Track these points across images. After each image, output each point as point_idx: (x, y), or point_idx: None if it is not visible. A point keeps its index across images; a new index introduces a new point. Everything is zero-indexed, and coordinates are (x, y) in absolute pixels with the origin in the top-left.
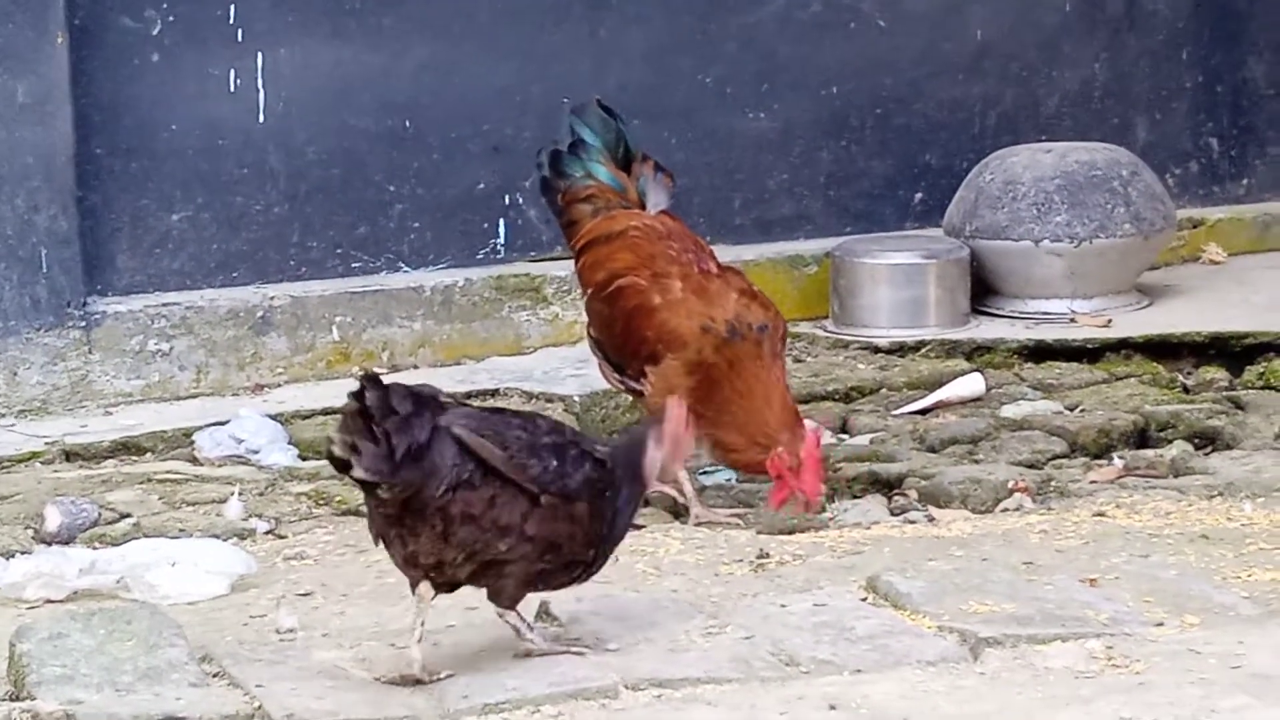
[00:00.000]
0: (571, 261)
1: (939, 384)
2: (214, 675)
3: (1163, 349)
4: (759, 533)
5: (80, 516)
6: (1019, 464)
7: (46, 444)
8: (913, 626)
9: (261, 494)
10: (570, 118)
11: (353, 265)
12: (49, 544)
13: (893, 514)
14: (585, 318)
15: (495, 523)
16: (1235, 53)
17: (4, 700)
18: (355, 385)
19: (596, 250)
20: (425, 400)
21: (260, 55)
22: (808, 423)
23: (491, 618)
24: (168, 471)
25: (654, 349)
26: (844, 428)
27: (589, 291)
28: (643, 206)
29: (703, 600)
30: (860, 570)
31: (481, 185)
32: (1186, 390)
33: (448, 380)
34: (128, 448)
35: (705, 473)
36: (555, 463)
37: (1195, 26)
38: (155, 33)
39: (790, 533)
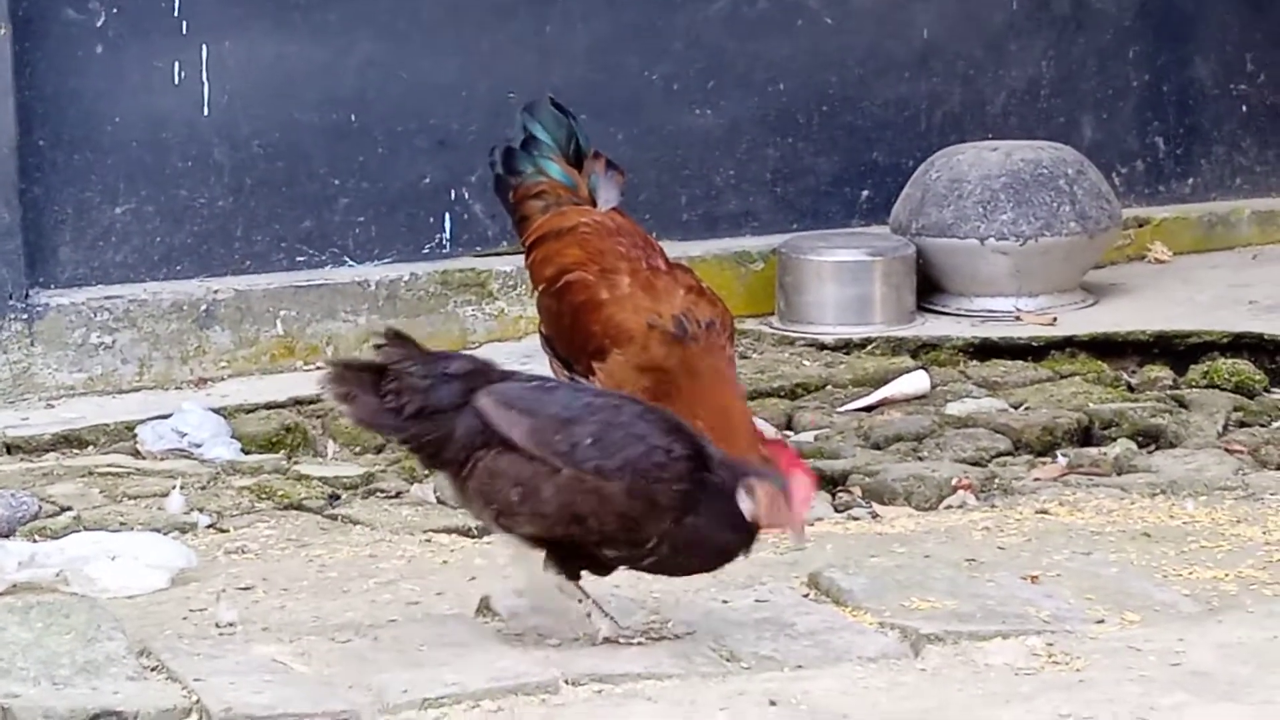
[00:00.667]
0: (520, 257)
1: (884, 381)
2: (152, 669)
3: (1107, 347)
4: None
5: (20, 509)
6: (963, 461)
7: None
8: (854, 623)
9: (203, 488)
10: (522, 115)
11: (297, 259)
12: None
13: (836, 510)
14: (534, 313)
15: (508, 479)
16: (1181, 52)
17: None
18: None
19: (547, 246)
20: (462, 372)
21: (205, 48)
22: (765, 428)
23: (434, 612)
24: (109, 465)
25: (601, 344)
26: (789, 424)
27: (539, 287)
28: (594, 203)
29: (644, 597)
30: (802, 566)
31: (427, 180)
32: (1131, 389)
33: None
34: (69, 441)
35: None
36: (590, 440)
37: (1142, 26)
38: (99, 24)
39: None
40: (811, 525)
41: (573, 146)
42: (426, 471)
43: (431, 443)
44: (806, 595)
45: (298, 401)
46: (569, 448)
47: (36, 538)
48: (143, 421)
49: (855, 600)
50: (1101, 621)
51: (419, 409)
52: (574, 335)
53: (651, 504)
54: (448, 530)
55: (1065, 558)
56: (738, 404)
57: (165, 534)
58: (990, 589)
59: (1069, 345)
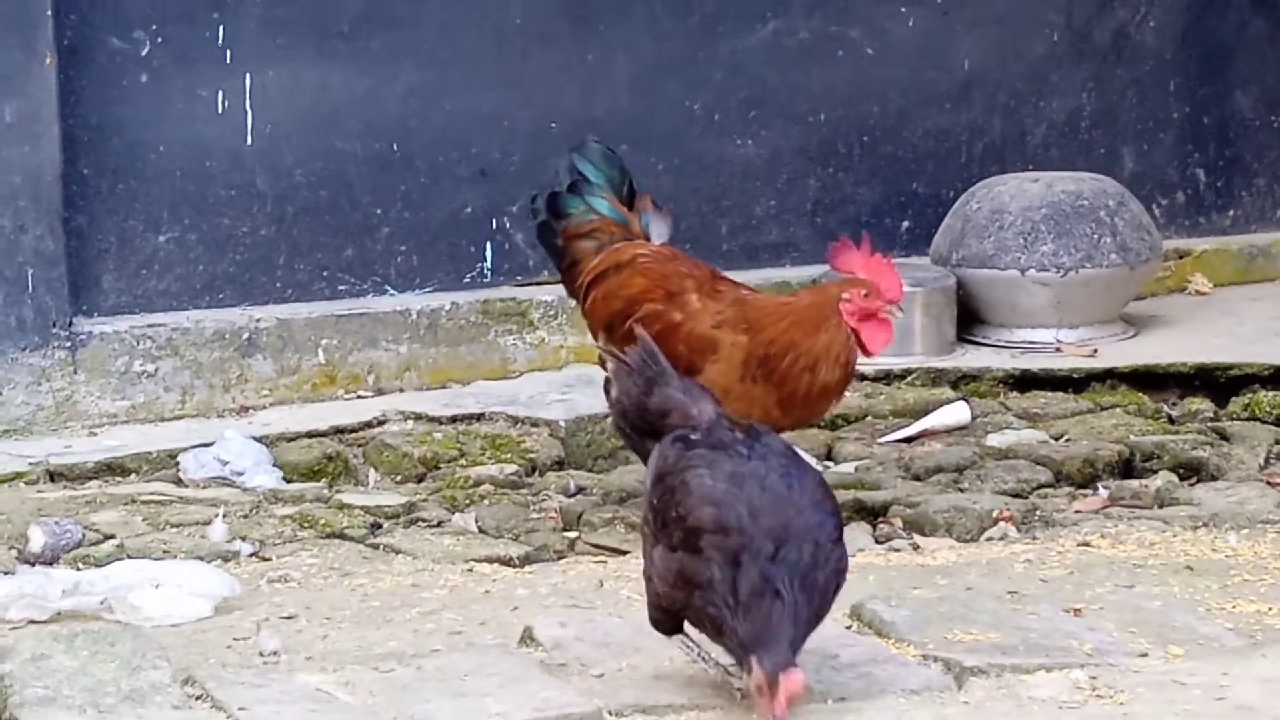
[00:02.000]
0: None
1: (925, 412)
2: (197, 697)
3: (1148, 379)
4: None
5: (64, 537)
6: (1004, 493)
7: (31, 464)
8: (897, 655)
9: (246, 516)
10: (572, 155)
11: (339, 288)
12: (33, 564)
13: (878, 542)
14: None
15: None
16: (1222, 84)
17: None
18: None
19: (607, 283)
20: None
21: (248, 77)
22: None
23: (477, 642)
24: (152, 493)
25: (690, 361)
26: (829, 455)
27: (603, 335)
28: (647, 239)
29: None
30: (845, 598)
31: (468, 209)
32: (1171, 421)
33: (434, 403)
34: (112, 469)
35: None
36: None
37: (1182, 58)
38: (144, 54)
39: None
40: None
41: (626, 186)
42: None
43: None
44: (849, 627)
45: (339, 430)
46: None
47: (80, 565)
48: (185, 449)
49: (898, 632)
50: (1145, 655)
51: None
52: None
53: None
54: (490, 560)
55: (1108, 590)
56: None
57: (208, 562)
58: (1033, 621)
59: (1109, 377)
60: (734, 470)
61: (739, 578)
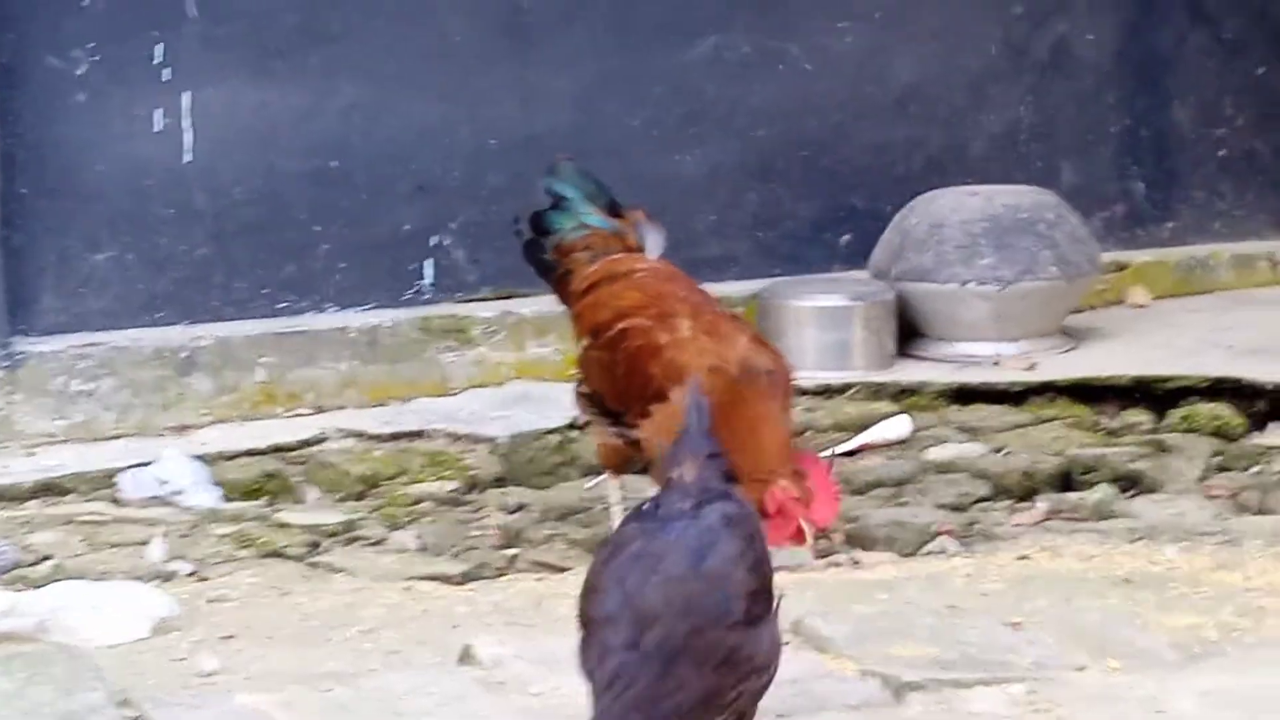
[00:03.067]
0: (502, 303)
1: (864, 426)
2: (134, 719)
3: (1087, 392)
4: None
5: (1, 559)
6: (944, 507)
7: None
8: (835, 670)
9: (184, 536)
10: (546, 179)
11: (278, 306)
12: None
13: (818, 557)
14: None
15: None
16: (1160, 97)
17: None
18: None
19: (600, 291)
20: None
21: (186, 95)
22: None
23: (416, 661)
24: (90, 513)
25: (660, 386)
26: None
27: (588, 338)
28: (642, 251)
29: None
30: (784, 613)
31: (408, 226)
32: (1110, 433)
33: (374, 421)
34: (50, 489)
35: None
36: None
37: (1120, 71)
38: (81, 72)
39: None
40: (793, 572)
41: (606, 199)
42: None
43: None
44: (788, 643)
45: (278, 448)
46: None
47: (18, 587)
48: (123, 469)
49: (837, 648)
50: (1083, 668)
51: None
52: (630, 382)
53: None
54: (429, 577)
55: (1046, 604)
56: (777, 429)
57: (146, 582)
58: (972, 635)
59: (1049, 390)
60: (638, 550)
61: (599, 670)
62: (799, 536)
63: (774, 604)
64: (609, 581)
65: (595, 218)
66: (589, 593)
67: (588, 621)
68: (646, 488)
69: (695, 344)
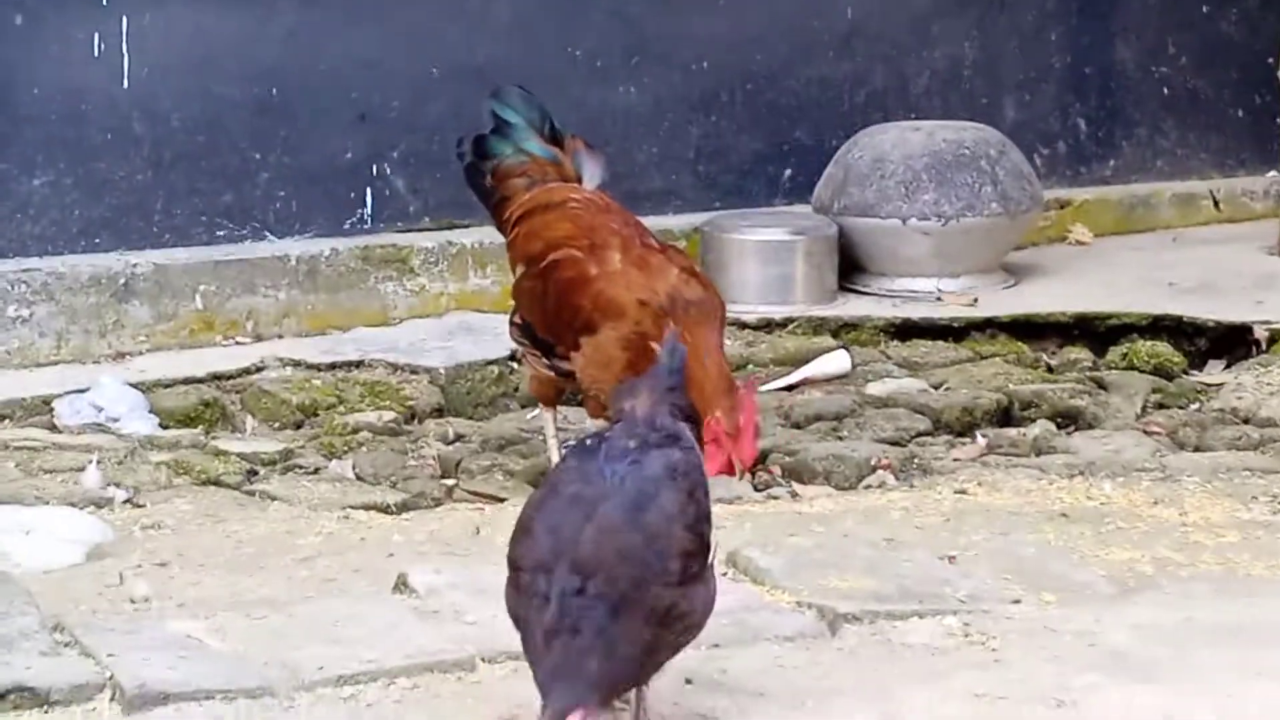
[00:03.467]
0: (443, 233)
1: (805, 361)
2: (65, 644)
3: (1028, 329)
4: None
5: None
6: (883, 441)
7: None
8: (771, 602)
9: (121, 463)
10: (490, 101)
11: (217, 233)
12: None
13: (756, 489)
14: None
15: None
16: (1104, 35)
17: None
18: None
19: (533, 220)
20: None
21: (125, 19)
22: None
23: (351, 589)
24: (25, 439)
25: (589, 318)
26: None
27: (521, 267)
28: (579, 181)
29: None
30: (721, 545)
31: (349, 155)
32: (1050, 370)
33: (313, 350)
34: None
35: (570, 445)
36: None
37: (1064, 8)
38: None
39: None
40: (731, 504)
41: (548, 127)
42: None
43: None
44: (724, 574)
45: (217, 377)
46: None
47: None
48: (60, 395)
49: (773, 579)
50: (1018, 601)
51: None
52: (560, 313)
53: None
54: (366, 507)
55: (983, 538)
56: (716, 358)
57: (81, 509)
58: (908, 569)
59: (989, 326)
60: (573, 494)
61: (536, 614)
62: (729, 469)
63: (709, 559)
64: (541, 526)
65: (534, 144)
66: (521, 534)
67: (518, 564)
68: (584, 420)
69: (625, 277)
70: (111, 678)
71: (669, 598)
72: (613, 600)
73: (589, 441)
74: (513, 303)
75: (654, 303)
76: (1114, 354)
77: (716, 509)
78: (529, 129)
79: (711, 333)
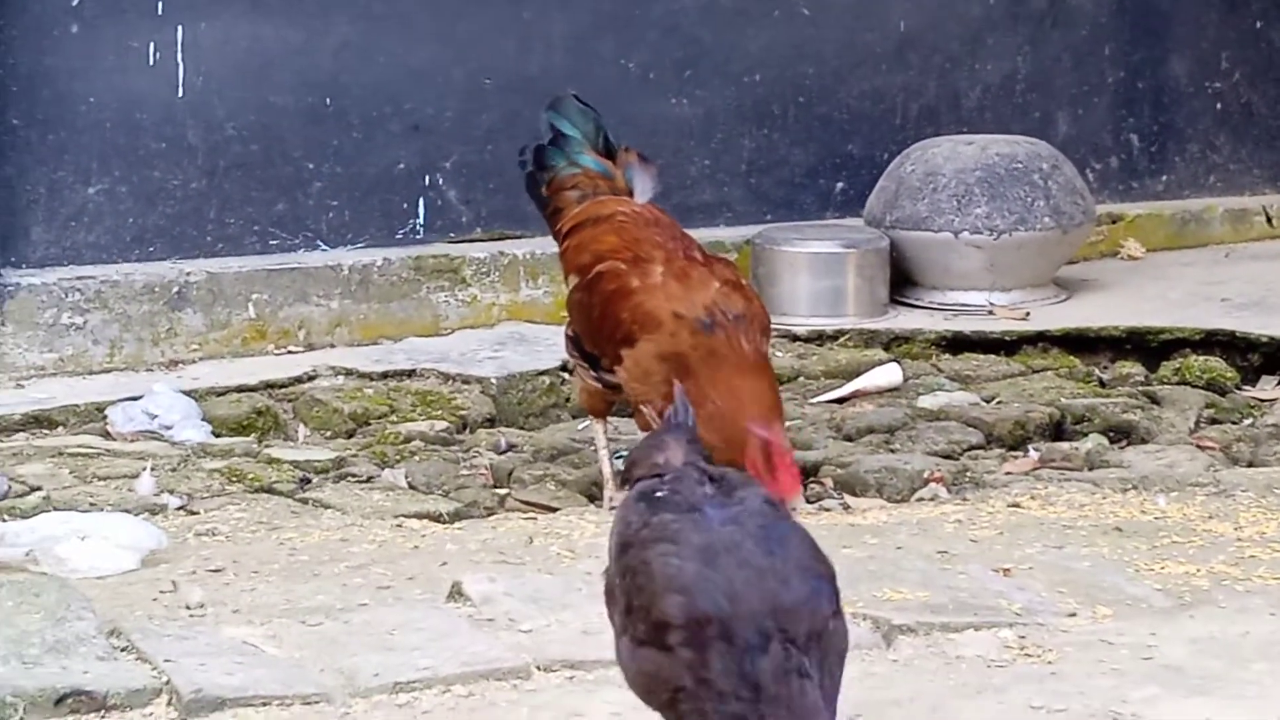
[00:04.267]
0: (494, 244)
1: (856, 373)
2: (122, 649)
3: (1080, 343)
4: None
5: None
6: (935, 454)
7: None
8: None
9: (174, 470)
10: (547, 113)
11: (270, 242)
12: None
13: (809, 501)
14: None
15: None
16: (1157, 50)
17: None
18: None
19: (582, 233)
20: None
21: (180, 29)
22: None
23: (405, 596)
24: (80, 446)
25: (629, 330)
26: None
27: (571, 279)
28: (630, 194)
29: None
30: None
31: (401, 165)
32: (1102, 384)
33: (365, 359)
34: (39, 421)
35: (620, 456)
36: None
37: (1118, 23)
38: (75, 4)
39: None
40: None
41: (602, 139)
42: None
43: None
44: None
45: (269, 385)
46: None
47: (6, 517)
48: (113, 403)
49: None
50: (1073, 615)
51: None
52: (603, 325)
53: None
54: (419, 515)
55: (1037, 551)
56: (751, 383)
57: (136, 515)
58: (962, 581)
59: (1041, 340)
60: (705, 543)
61: (754, 664)
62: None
63: None
64: (691, 579)
65: (587, 158)
66: (667, 593)
67: (662, 624)
68: (635, 431)
69: (664, 290)
70: (168, 683)
71: (838, 627)
72: (810, 645)
73: (658, 493)
74: (566, 315)
75: (690, 315)
76: (1166, 369)
77: None
78: (583, 141)
79: (753, 352)
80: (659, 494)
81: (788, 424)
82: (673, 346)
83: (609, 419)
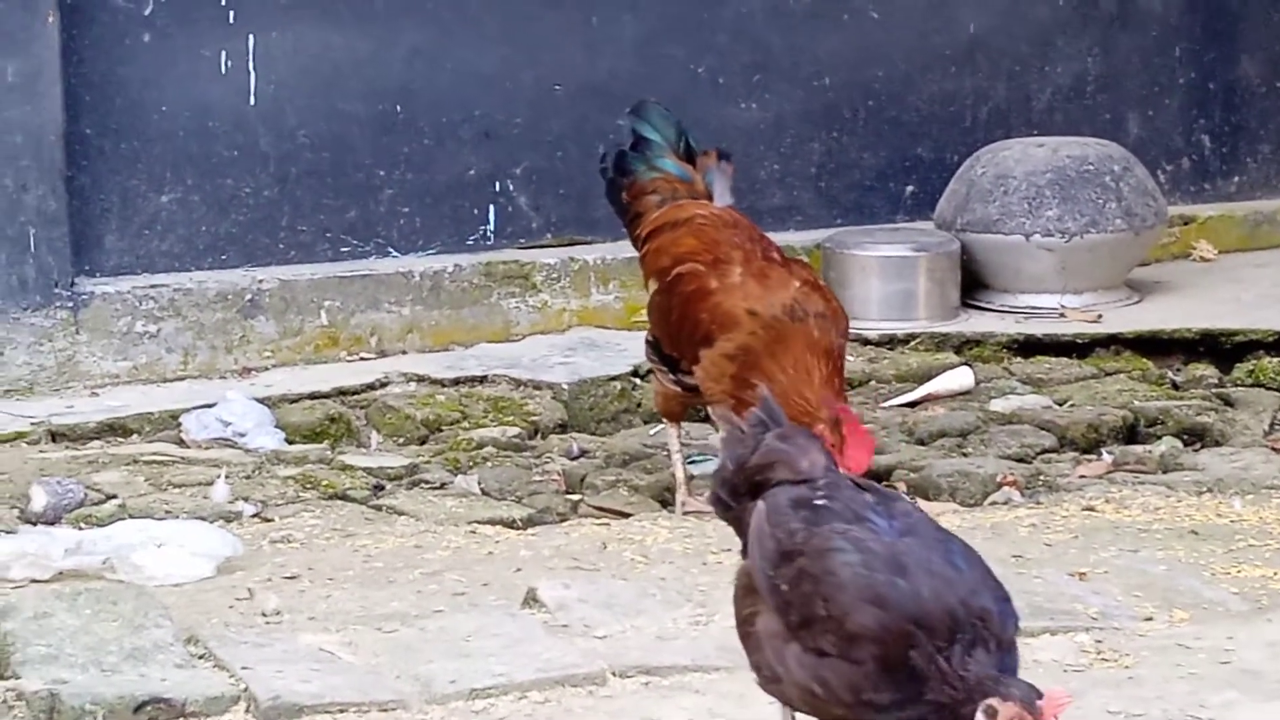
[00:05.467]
0: (564, 250)
1: (928, 377)
2: (199, 656)
3: (1152, 345)
4: (700, 515)
5: (66, 497)
6: (1008, 458)
7: (33, 424)
8: None
9: (248, 477)
10: (629, 118)
11: (342, 249)
12: (35, 524)
13: None
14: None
15: None
16: (1228, 50)
17: None
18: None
19: (662, 237)
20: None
21: (251, 38)
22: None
23: (480, 603)
24: (154, 453)
25: (708, 330)
26: None
27: (652, 283)
28: (710, 198)
29: (690, 589)
30: None
31: (472, 171)
32: (1176, 386)
33: (437, 365)
34: (114, 429)
35: (693, 461)
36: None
37: (1188, 24)
38: (147, 13)
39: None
40: None
41: (683, 144)
42: None
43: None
44: None
45: (341, 392)
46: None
47: (82, 525)
48: (187, 410)
49: None
50: (1150, 619)
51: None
52: (682, 326)
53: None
54: (492, 522)
55: (1112, 555)
56: (821, 363)
57: (211, 522)
58: (1038, 585)
59: (1114, 343)
60: (888, 553)
61: (956, 660)
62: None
63: None
64: (886, 590)
65: (668, 162)
66: (860, 604)
67: (855, 636)
68: (706, 437)
69: (742, 289)
70: (246, 690)
71: (1016, 649)
72: (1008, 649)
73: (816, 500)
74: (643, 319)
75: (766, 314)
76: (1240, 371)
77: None
78: (664, 146)
79: (828, 348)
80: (818, 502)
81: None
82: (747, 343)
83: (682, 423)
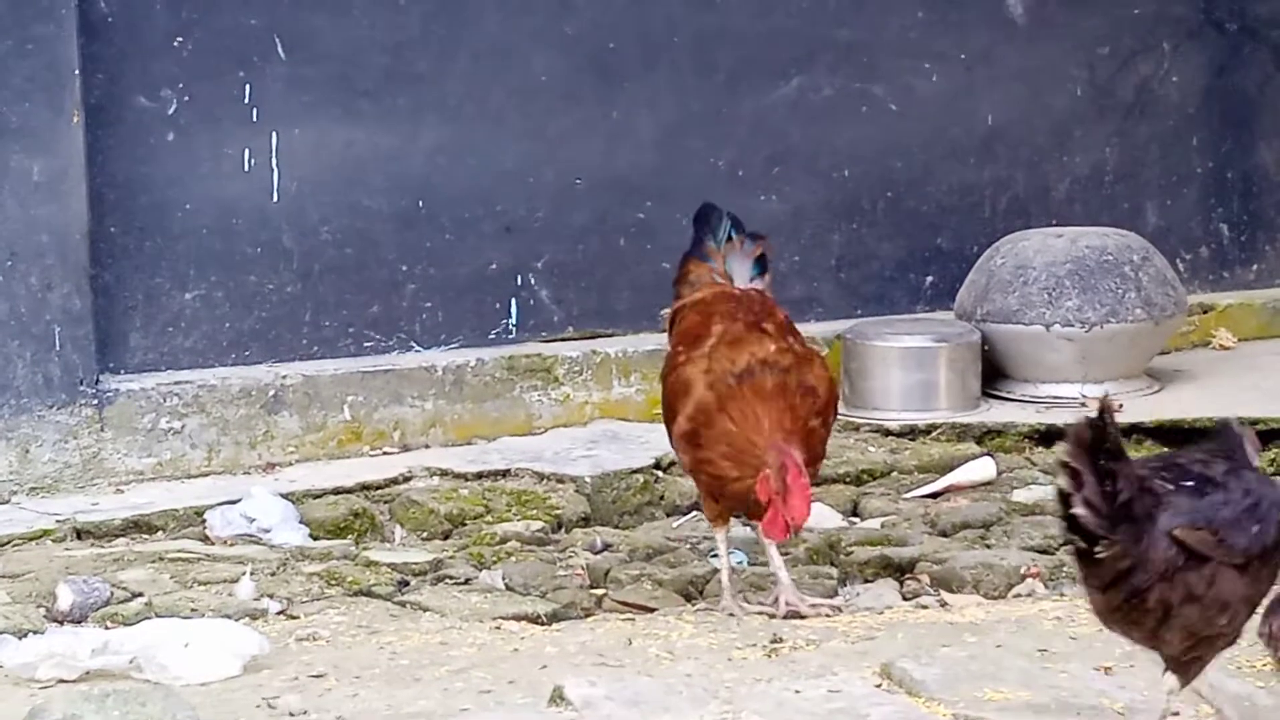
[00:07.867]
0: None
1: (950, 467)
2: None
3: (1174, 434)
4: (772, 617)
5: (92, 595)
6: (1031, 549)
7: (58, 522)
8: (928, 714)
9: (273, 574)
10: (692, 224)
11: (365, 344)
12: (61, 623)
13: (905, 598)
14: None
15: (1217, 599)
16: (1245, 139)
17: None
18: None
19: (677, 324)
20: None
21: (274, 135)
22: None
23: (506, 700)
24: (179, 550)
25: (672, 403)
26: (855, 511)
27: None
28: (731, 281)
29: (716, 685)
30: (874, 656)
31: (494, 265)
32: None
33: (460, 459)
34: (139, 526)
35: (716, 555)
36: (1256, 526)
37: (1205, 113)
38: (170, 112)
39: (803, 617)
40: (880, 614)
41: (725, 233)
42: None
43: (1127, 552)
44: (879, 685)
45: (365, 487)
46: (1247, 543)
47: (109, 624)
48: (212, 507)
49: (929, 691)
50: (1176, 715)
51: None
52: (665, 411)
53: None
54: (517, 617)
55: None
56: (774, 411)
57: (236, 620)
58: (1064, 680)
59: (1135, 432)
60: (1257, 489)
61: None
62: (785, 531)
63: None
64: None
65: (705, 253)
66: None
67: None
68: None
69: (708, 357)
70: None
71: None
72: None
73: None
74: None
75: (720, 373)
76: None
77: (868, 619)
78: (710, 242)
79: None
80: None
81: (884, 518)
82: (702, 400)
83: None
